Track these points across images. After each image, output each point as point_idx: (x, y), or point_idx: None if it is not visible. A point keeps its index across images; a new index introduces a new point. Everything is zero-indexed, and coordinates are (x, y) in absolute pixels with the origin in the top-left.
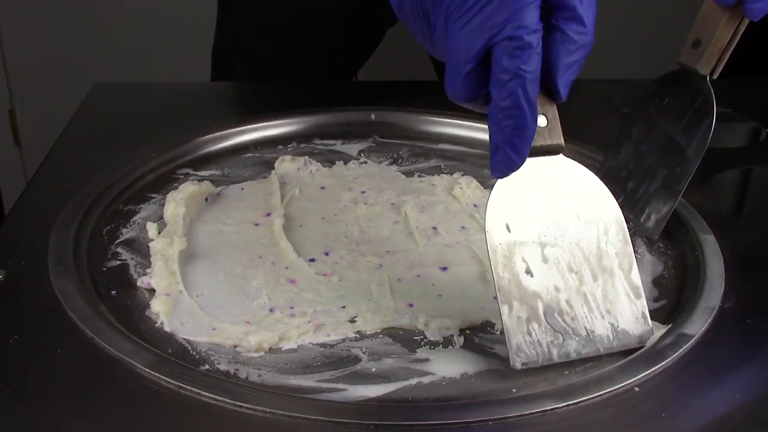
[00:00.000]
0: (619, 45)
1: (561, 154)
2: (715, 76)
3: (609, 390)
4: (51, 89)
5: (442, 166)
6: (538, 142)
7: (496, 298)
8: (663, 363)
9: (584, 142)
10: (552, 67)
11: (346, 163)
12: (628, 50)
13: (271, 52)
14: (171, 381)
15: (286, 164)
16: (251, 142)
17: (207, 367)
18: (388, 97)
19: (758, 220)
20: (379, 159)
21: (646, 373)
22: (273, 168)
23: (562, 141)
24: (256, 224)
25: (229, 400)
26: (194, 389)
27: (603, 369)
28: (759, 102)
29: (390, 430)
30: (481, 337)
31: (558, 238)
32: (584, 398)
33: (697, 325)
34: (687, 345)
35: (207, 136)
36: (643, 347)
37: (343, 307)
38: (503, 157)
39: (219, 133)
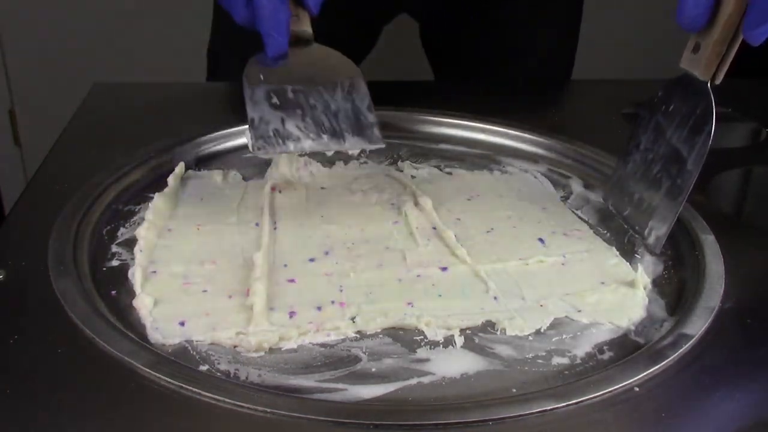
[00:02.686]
0: (620, 45)
1: (312, 42)
2: (717, 82)
3: (609, 390)
4: (51, 89)
5: (442, 166)
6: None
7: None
8: (663, 363)
9: (584, 141)
10: None
11: (346, 163)
12: (629, 50)
13: None
14: (171, 381)
15: (286, 164)
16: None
17: (207, 367)
18: (388, 97)
19: (758, 220)
20: (379, 159)
21: (646, 373)
22: (273, 168)
23: (309, 30)
24: (256, 224)
25: (229, 400)
26: (194, 389)
27: (603, 369)
28: (759, 102)
29: (390, 430)
30: (481, 337)
31: (302, 86)
32: (584, 398)
33: (697, 325)
34: (687, 345)
35: (207, 136)
36: (642, 346)
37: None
38: (272, 41)
39: (219, 133)
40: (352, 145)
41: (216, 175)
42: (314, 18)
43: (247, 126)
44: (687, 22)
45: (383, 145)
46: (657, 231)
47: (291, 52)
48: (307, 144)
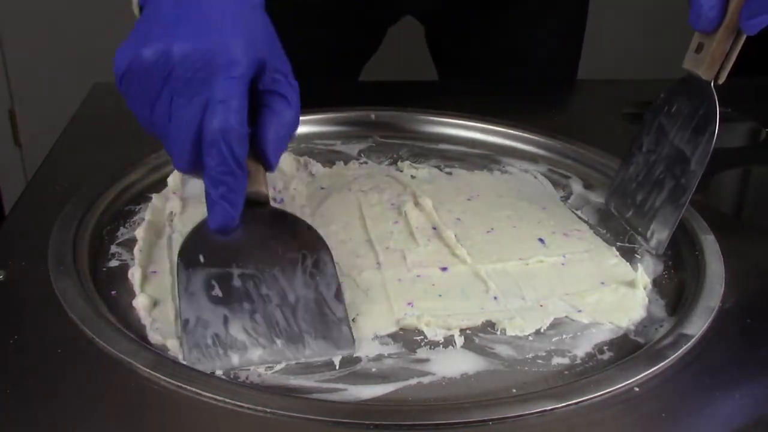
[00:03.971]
0: (620, 45)
1: (268, 204)
2: (720, 82)
3: (609, 390)
4: (51, 89)
5: (442, 166)
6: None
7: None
8: (663, 363)
9: (584, 141)
10: (263, 141)
11: (346, 163)
12: (630, 50)
13: None
14: (171, 381)
15: (285, 164)
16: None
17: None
18: (388, 97)
19: (758, 220)
20: (379, 159)
21: (646, 373)
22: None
23: (265, 191)
24: None
25: (229, 400)
26: (194, 389)
27: (603, 369)
28: (759, 102)
29: (390, 430)
30: (481, 337)
31: (252, 269)
32: (584, 398)
33: (697, 325)
34: (687, 345)
35: None
36: (642, 346)
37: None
38: (221, 210)
39: None
40: (315, 353)
41: None
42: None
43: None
44: (703, 24)
45: (353, 350)
46: (659, 233)
47: (241, 218)
48: (256, 355)
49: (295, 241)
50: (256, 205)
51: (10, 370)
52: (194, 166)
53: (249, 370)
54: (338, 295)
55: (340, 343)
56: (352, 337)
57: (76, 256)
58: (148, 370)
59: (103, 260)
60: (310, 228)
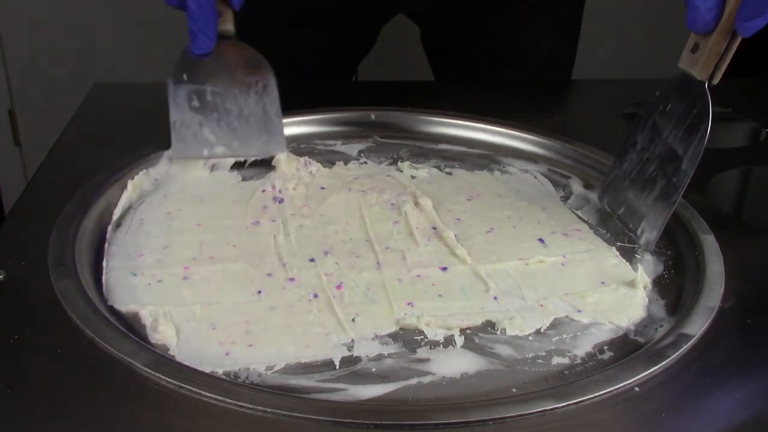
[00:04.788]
0: (620, 45)
1: (234, 38)
2: (714, 82)
3: (609, 390)
4: (51, 89)
5: (442, 166)
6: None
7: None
8: (663, 363)
9: (584, 141)
10: None
11: (346, 163)
12: (629, 50)
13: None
14: (171, 381)
15: (286, 164)
16: None
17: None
18: (388, 97)
19: (758, 220)
20: (379, 159)
21: (646, 373)
22: (273, 168)
23: (232, 28)
24: (257, 222)
25: (229, 400)
26: (194, 389)
27: (603, 369)
28: (759, 102)
29: (390, 430)
30: (481, 337)
31: (220, 88)
32: (584, 398)
33: (697, 325)
34: (687, 345)
35: None
36: (642, 345)
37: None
38: (200, 40)
39: None
40: (258, 152)
41: (216, 175)
42: (237, 14)
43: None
44: (699, 26)
45: (285, 151)
46: (650, 230)
47: (215, 49)
48: (219, 150)
49: (250, 67)
50: (225, 38)
51: (10, 370)
52: (181, 5)
53: (249, 370)
54: (278, 113)
55: (277, 147)
56: (284, 142)
57: (76, 256)
58: (148, 370)
59: (103, 260)
60: (262, 59)
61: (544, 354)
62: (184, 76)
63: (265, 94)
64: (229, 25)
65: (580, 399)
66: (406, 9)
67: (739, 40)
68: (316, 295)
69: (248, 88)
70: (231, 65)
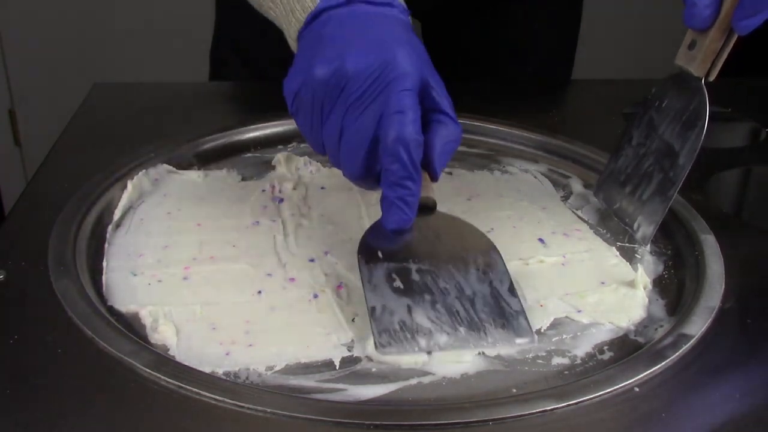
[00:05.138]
0: (620, 45)
1: (436, 209)
2: (711, 79)
3: (609, 390)
4: (51, 89)
5: None
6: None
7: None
8: (663, 363)
9: (584, 141)
10: (431, 152)
11: None
12: (629, 50)
13: (270, 51)
14: (171, 381)
15: (286, 164)
16: (251, 141)
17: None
18: None
19: (758, 220)
20: None
21: (646, 373)
22: (273, 168)
23: (433, 197)
24: (257, 222)
25: (230, 401)
26: (194, 389)
27: (603, 369)
28: (759, 102)
29: (390, 430)
30: None
31: (428, 265)
32: (584, 398)
33: (697, 325)
34: (687, 345)
35: (207, 136)
36: (643, 345)
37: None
38: (398, 211)
39: (219, 133)
40: (496, 341)
41: (216, 175)
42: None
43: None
44: (697, 22)
45: (534, 339)
46: (646, 225)
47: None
48: (443, 340)
49: (465, 242)
50: (426, 209)
51: (10, 370)
52: (365, 174)
53: (249, 370)
54: (512, 290)
55: (520, 332)
56: (530, 327)
57: (76, 256)
58: (148, 370)
59: (102, 260)
60: (477, 231)
61: (544, 354)
62: (379, 254)
63: (489, 270)
64: (429, 192)
65: (580, 399)
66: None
67: (735, 37)
68: (316, 295)
69: (466, 265)
70: (437, 240)
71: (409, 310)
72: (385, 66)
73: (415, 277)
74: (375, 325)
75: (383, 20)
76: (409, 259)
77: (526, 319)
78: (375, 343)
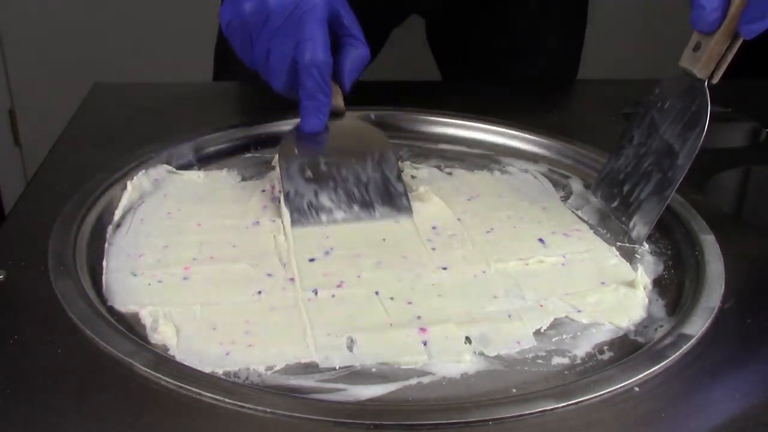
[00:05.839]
0: (619, 45)
1: (344, 115)
2: (714, 81)
3: (609, 390)
4: (51, 89)
5: (442, 166)
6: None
7: None
8: (663, 363)
9: (584, 141)
10: (341, 70)
11: None
12: (630, 50)
13: None
14: (171, 381)
15: None
16: (251, 141)
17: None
18: (388, 97)
19: (758, 220)
20: None
21: (646, 373)
22: (273, 168)
23: (343, 106)
24: (257, 222)
25: (230, 400)
26: (194, 389)
27: (603, 369)
28: (759, 102)
29: (390, 430)
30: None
31: (334, 158)
32: (584, 398)
33: (697, 325)
34: (687, 345)
35: (207, 136)
36: (643, 345)
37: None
38: (312, 117)
39: (219, 133)
40: (382, 215)
41: (216, 175)
42: (346, 94)
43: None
44: (704, 25)
45: (411, 214)
46: (642, 224)
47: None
48: (339, 215)
49: (366, 140)
50: (336, 115)
51: (10, 370)
52: (288, 88)
53: (249, 370)
54: (399, 177)
55: (401, 209)
56: (410, 205)
57: (76, 256)
58: (148, 370)
59: (102, 260)
60: (378, 132)
61: (544, 354)
62: (295, 151)
63: (383, 161)
64: (339, 101)
65: (580, 399)
66: (417, 9)
67: (740, 40)
68: (316, 295)
69: (364, 158)
70: (344, 139)
71: (316, 193)
72: (299, 0)
73: (323, 168)
74: (288, 205)
75: None
76: (319, 155)
77: (408, 199)
78: (289, 219)
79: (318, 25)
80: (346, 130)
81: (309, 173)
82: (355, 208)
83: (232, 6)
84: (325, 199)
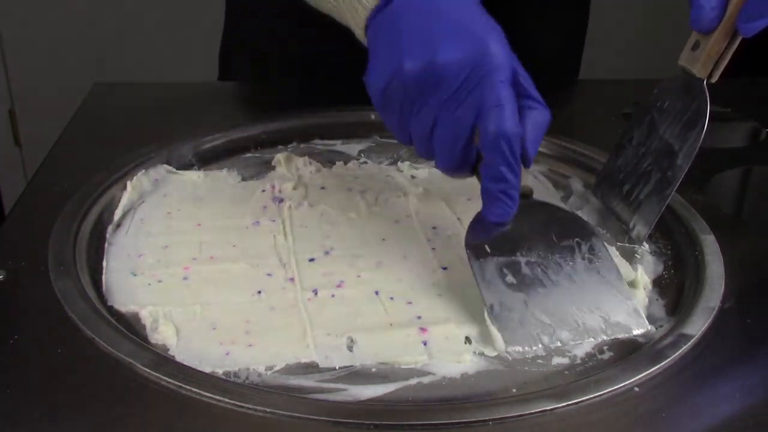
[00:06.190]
0: (619, 45)
1: (532, 196)
2: (713, 80)
3: (609, 390)
4: (51, 89)
5: None
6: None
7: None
8: (663, 363)
9: (584, 141)
10: (524, 141)
11: (346, 163)
12: (630, 50)
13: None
14: (171, 381)
15: (286, 164)
16: (251, 141)
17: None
18: None
19: (758, 220)
20: (379, 159)
21: (646, 373)
22: (273, 168)
23: (529, 185)
24: (257, 222)
25: (229, 400)
26: (194, 389)
27: (603, 369)
28: (759, 102)
29: (390, 430)
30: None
31: (536, 257)
32: (584, 398)
33: (697, 325)
34: (687, 345)
35: (207, 136)
36: (642, 345)
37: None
38: (501, 204)
39: (219, 133)
40: (614, 332)
41: (216, 175)
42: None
43: None
44: (703, 24)
45: (647, 327)
46: (642, 224)
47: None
48: (564, 335)
49: (566, 229)
50: (523, 197)
51: (10, 370)
52: (461, 167)
53: (249, 370)
54: (619, 277)
55: (636, 322)
56: (643, 315)
57: (76, 256)
58: (148, 370)
59: (102, 260)
60: (576, 217)
61: (544, 354)
62: (487, 248)
63: (594, 258)
64: (525, 181)
65: (580, 399)
66: None
67: (739, 39)
68: (316, 295)
69: (572, 253)
70: (539, 228)
71: (526, 305)
72: (480, 58)
73: (526, 270)
74: (496, 324)
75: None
76: (517, 252)
77: (637, 308)
78: (500, 344)
79: (506, 89)
80: (539, 217)
81: (511, 278)
82: (579, 323)
83: (389, 68)
84: (539, 314)
